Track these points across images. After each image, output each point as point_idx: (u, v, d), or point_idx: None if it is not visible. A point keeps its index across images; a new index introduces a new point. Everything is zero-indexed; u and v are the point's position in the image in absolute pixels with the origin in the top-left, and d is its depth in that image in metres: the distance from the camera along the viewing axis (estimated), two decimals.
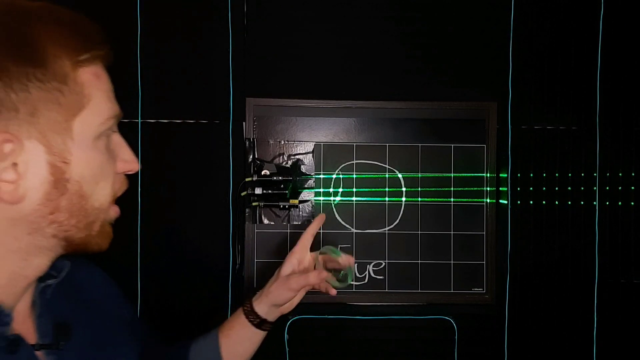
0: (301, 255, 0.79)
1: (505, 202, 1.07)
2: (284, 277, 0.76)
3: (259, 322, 0.74)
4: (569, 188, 1.08)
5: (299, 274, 0.75)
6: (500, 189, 1.07)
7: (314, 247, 0.81)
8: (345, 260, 0.79)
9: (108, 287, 0.57)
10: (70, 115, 0.41)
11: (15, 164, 0.38)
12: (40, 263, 0.43)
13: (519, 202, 1.07)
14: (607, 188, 1.07)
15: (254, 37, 1.05)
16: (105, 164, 0.44)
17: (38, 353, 0.43)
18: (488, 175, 1.06)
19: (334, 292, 0.79)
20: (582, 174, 1.08)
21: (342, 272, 0.80)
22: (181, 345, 0.68)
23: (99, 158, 0.44)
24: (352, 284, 1.05)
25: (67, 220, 0.42)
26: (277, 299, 0.75)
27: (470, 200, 1.07)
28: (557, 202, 1.07)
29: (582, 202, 1.07)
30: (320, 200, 1.05)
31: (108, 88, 0.44)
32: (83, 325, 0.49)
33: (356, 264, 1.06)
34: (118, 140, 0.46)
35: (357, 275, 1.06)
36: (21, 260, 0.42)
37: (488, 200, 1.07)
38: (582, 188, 1.08)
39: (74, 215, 0.43)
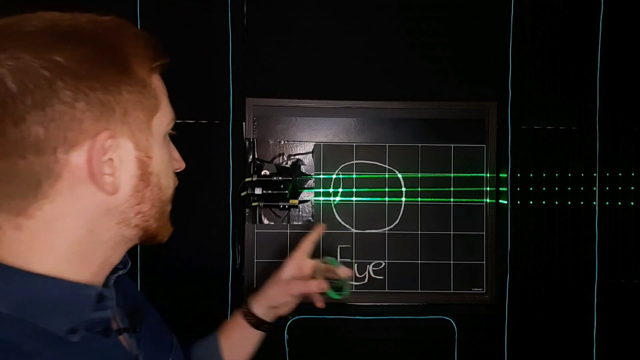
0: (301, 261, 0.81)
1: (505, 202, 1.07)
2: (284, 282, 0.78)
3: (256, 323, 0.76)
4: (569, 188, 1.08)
5: (300, 281, 0.77)
6: (500, 189, 1.07)
7: (315, 251, 0.82)
8: (343, 272, 0.80)
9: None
10: (150, 116, 0.47)
11: (111, 159, 0.43)
12: (121, 253, 0.49)
13: (519, 202, 1.08)
14: (607, 188, 1.07)
15: (254, 37, 1.05)
16: (169, 160, 0.52)
17: (121, 337, 0.49)
18: (488, 175, 1.06)
19: (321, 305, 0.81)
20: (582, 174, 1.08)
21: (338, 282, 0.81)
22: (184, 347, 0.70)
23: (167, 154, 0.51)
24: (353, 285, 1.05)
25: (149, 210, 0.48)
26: (275, 301, 0.78)
27: (470, 200, 1.07)
28: (557, 202, 1.08)
29: (582, 202, 1.07)
30: (320, 200, 1.05)
31: (167, 94, 0.52)
32: (145, 313, 0.56)
33: (356, 264, 1.06)
34: (169, 141, 0.54)
35: (357, 275, 1.06)
36: (110, 250, 0.47)
37: (488, 200, 1.07)
38: (582, 188, 1.08)
39: (155, 206, 0.49)
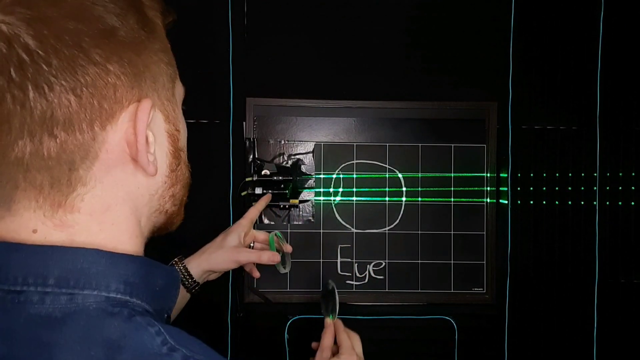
0: (248, 229, 0.80)
1: (506, 202, 1.07)
2: (231, 248, 0.76)
3: (191, 285, 0.74)
4: (569, 188, 1.08)
5: (250, 250, 0.77)
6: (500, 188, 1.07)
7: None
8: (288, 248, 0.82)
9: None
10: (173, 82, 0.41)
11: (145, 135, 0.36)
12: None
13: (519, 202, 1.07)
14: (607, 188, 1.07)
15: (254, 36, 1.05)
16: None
17: None
18: (488, 175, 1.06)
19: (257, 274, 0.84)
20: (582, 174, 1.08)
21: (283, 257, 0.84)
22: None
23: (185, 129, 0.44)
24: (353, 284, 1.05)
25: (179, 193, 0.42)
26: (217, 266, 0.76)
27: (470, 200, 1.06)
28: (557, 202, 1.07)
29: (582, 202, 1.07)
30: (320, 200, 1.05)
31: None
32: None
33: (356, 264, 1.06)
34: None
35: (357, 275, 1.06)
36: (143, 243, 0.41)
37: (488, 200, 1.06)
38: (582, 188, 1.08)
39: (184, 187, 0.42)
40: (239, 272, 1.04)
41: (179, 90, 0.43)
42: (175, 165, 0.41)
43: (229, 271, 1.05)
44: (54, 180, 0.33)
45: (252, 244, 0.85)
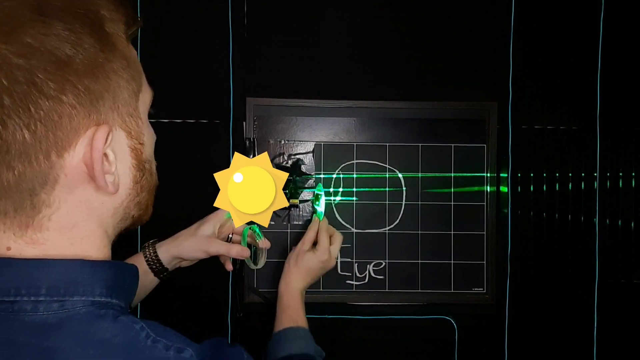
0: (226, 221, 0.80)
1: (506, 201, 1.07)
2: (204, 237, 0.76)
3: (159, 270, 0.73)
4: (570, 188, 1.07)
5: (222, 242, 0.76)
6: (501, 188, 1.07)
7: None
8: (263, 243, 0.81)
9: None
10: (136, 96, 0.41)
11: (105, 154, 0.37)
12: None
13: (519, 202, 1.07)
14: (608, 188, 1.07)
15: (254, 36, 1.05)
16: (153, 141, 0.45)
17: None
18: (488, 175, 1.06)
19: (230, 267, 0.82)
20: (583, 174, 1.08)
21: (257, 252, 0.83)
22: None
23: (152, 135, 0.45)
24: (353, 284, 1.05)
25: (146, 199, 0.44)
26: (187, 254, 0.75)
27: (470, 200, 1.06)
28: (557, 202, 1.07)
29: (582, 202, 1.07)
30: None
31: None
32: None
33: (356, 264, 1.06)
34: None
35: (357, 275, 1.06)
36: (110, 247, 0.43)
37: (488, 200, 1.06)
38: (583, 188, 1.07)
39: (150, 193, 0.45)
40: (238, 273, 1.04)
41: (145, 100, 0.42)
42: (140, 177, 0.42)
43: (229, 272, 1.05)
44: (16, 205, 0.35)
45: (230, 236, 0.84)
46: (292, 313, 0.79)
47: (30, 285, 0.36)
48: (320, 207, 0.94)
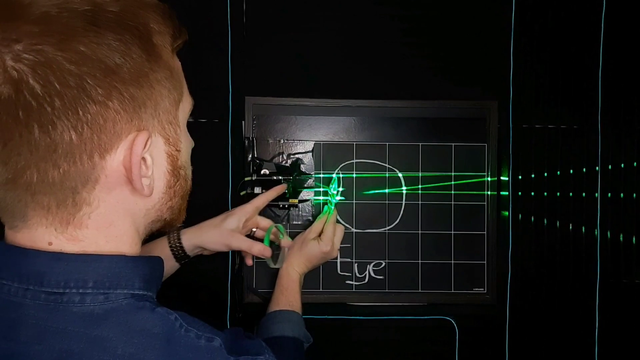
0: (251, 215, 0.82)
1: (506, 201, 1.07)
2: (227, 231, 0.78)
3: (181, 257, 0.76)
4: (570, 188, 1.07)
5: (245, 238, 0.78)
6: (501, 189, 1.07)
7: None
8: (285, 243, 0.83)
9: None
10: (177, 105, 0.43)
11: (144, 159, 0.40)
12: None
13: (520, 201, 1.07)
14: (608, 187, 1.07)
15: (253, 35, 1.05)
16: (190, 149, 0.49)
17: None
18: (489, 175, 1.06)
19: (250, 262, 0.88)
20: (584, 173, 1.07)
21: (277, 251, 0.84)
22: None
23: (189, 143, 0.48)
24: (353, 285, 1.05)
25: (179, 204, 0.47)
26: (209, 245, 0.78)
27: (471, 199, 1.06)
28: (558, 202, 1.07)
29: (583, 202, 1.07)
30: (320, 199, 1.04)
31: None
32: None
33: (356, 264, 1.05)
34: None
35: (357, 275, 1.05)
36: (140, 245, 0.47)
37: (489, 200, 1.06)
38: (583, 187, 1.07)
39: (183, 198, 0.47)
40: (238, 272, 1.04)
41: (185, 108, 0.45)
42: (174, 182, 0.45)
43: (228, 271, 1.05)
44: (59, 202, 0.38)
45: (254, 230, 0.84)
46: (289, 296, 0.84)
47: (79, 279, 0.39)
48: (336, 198, 0.99)
